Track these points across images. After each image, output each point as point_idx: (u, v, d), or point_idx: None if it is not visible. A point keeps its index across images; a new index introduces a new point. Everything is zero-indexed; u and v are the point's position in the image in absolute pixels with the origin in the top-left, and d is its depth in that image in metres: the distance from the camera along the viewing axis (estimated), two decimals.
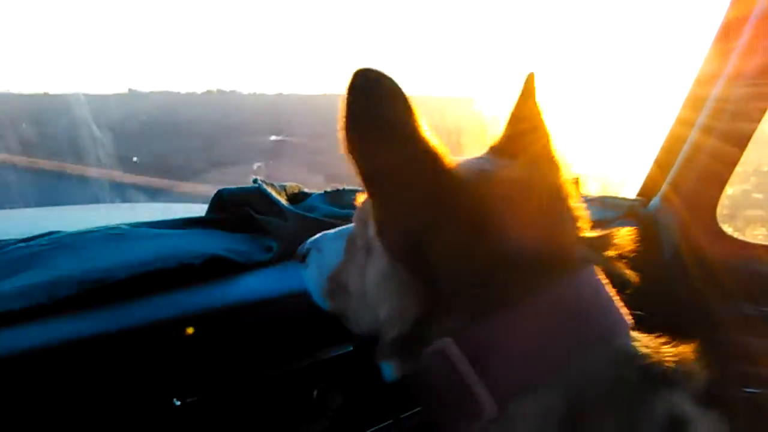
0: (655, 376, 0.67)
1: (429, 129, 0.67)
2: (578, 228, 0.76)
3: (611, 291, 0.74)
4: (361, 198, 0.89)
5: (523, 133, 0.84)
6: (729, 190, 1.93)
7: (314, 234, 1.35)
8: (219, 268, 1.15)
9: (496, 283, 0.68)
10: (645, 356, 0.69)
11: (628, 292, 0.75)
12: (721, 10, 1.73)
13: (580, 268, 0.71)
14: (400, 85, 0.63)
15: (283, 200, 1.49)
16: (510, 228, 0.69)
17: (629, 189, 2.12)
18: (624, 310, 0.73)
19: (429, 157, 0.67)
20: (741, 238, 1.95)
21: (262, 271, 1.22)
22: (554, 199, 0.76)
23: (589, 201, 2.14)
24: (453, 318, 0.69)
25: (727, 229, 1.95)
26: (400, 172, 0.67)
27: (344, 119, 0.66)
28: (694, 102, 1.86)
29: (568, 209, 0.76)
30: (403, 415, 1.24)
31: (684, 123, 1.91)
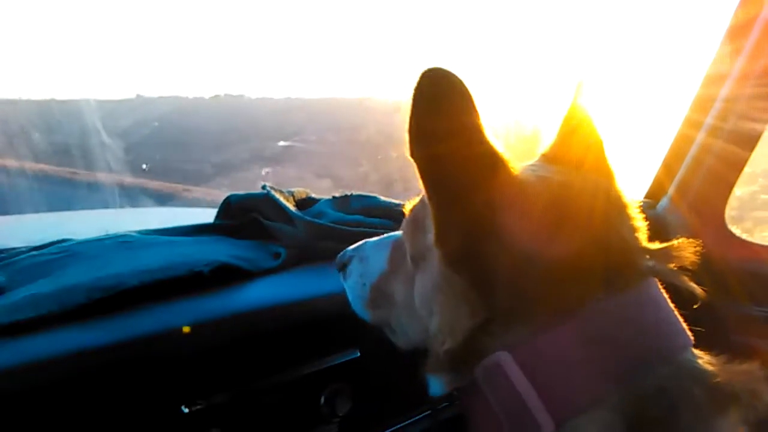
0: (724, 397, 0.64)
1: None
2: (638, 238, 0.73)
3: (672, 305, 0.71)
4: (409, 205, 0.87)
5: (575, 142, 0.80)
6: (737, 191, 1.92)
7: (322, 240, 1.35)
8: (227, 276, 1.16)
9: (557, 295, 0.65)
10: (712, 374, 0.65)
11: (695, 306, 0.72)
12: (728, 11, 1.72)
13: (642, 281, 0.68)
14: (466, 85, 0.61)
15: (291, 206, 1.50)
16: (573, 238, 0.66)
17: (637, 191, 2.11)
18: (685, 326, 0.70)
19: (494, 161, 0.65)
20: (749, 239, 1.94)
21: (270, 277, 1.23)
22: (614, 208, 0.73)
23: None
24: (510, 331, 0.66)
25: (736, 230, 1.94)
26: (465, 175, 0.65)
27: (410, 120, 0.63)
28: (702, 103, 1.85)
29: (628, 219, 0.74)
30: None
31: (692, 124, 1.91)
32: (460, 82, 0.60)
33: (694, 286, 0.72)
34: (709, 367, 0.67)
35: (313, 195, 1.66)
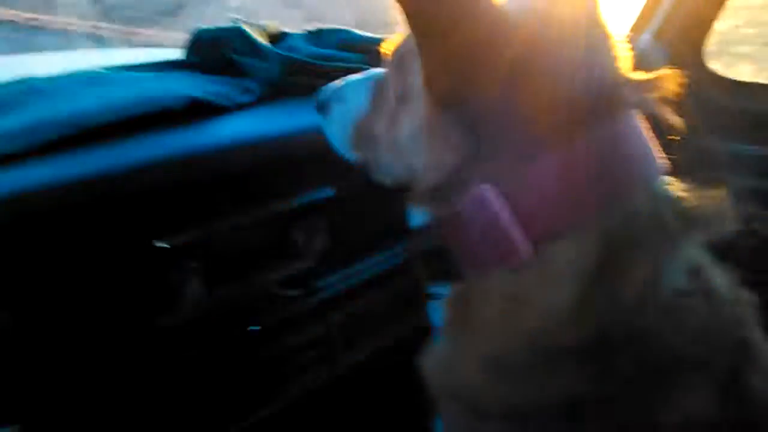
0: (690, 218, 0.67)
1: None
2: (621, 69, 0.71)
3: (650, 135, 0.72)
4: (391, 43, 0.84)
5: None
6: (719, 25, 1.89)
7: (295, 75, 1.32)
8: (199, 111, 1.14)
9: (539, 129, 0.66)
10: (681, 199, 0.69)
11: (675, 138, 0.73)
12: None
13: (623, 113, 0.69)
14: None
15: (263, 40, 1.45)
16: (554, 72, 0.66)
17: (622, 25, 2.07)
18: (661, 155, 0.72)
19: None
20: (725, 75, 1.94)
21: (242, 113, 1.21)
22: (597, 38, 0.71)
23: None
24: (493, 166, 0.68)
25: (715, 65, 1.93)
26: (448, 11, 0.62)
27: None
28: None
29: (610, 48, 0.71)
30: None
31: None
32: None
33: (676, 119, 0.72)
34: (680, 193, 0.70)
35: (284, 29, 1.60)
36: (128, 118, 1.05)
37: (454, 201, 0.71)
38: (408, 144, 0.79)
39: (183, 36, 1.54)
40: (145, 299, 1.00)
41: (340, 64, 1.36)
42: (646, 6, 1.97)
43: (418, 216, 0.83)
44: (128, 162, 0.97)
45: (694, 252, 0.69)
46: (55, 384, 0.94)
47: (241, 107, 1.23)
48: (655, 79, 0.72)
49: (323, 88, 0.99)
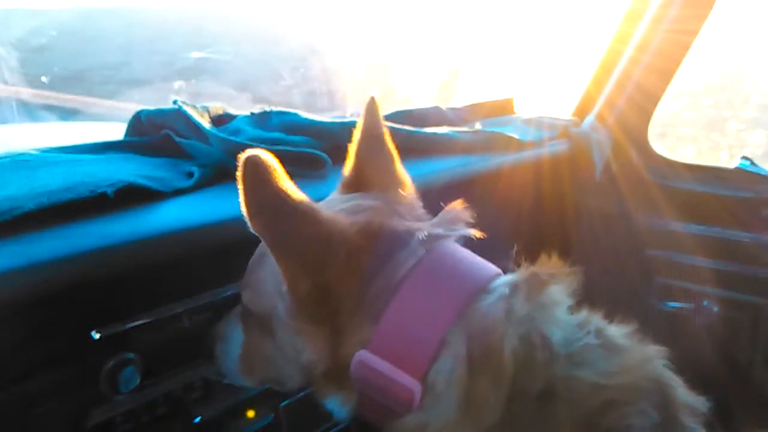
0: (537, 295, 0.77)
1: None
2: (417, 223, 0.86)
3: (467, 252, 0.84)
4: (250, 274, 0.92)
5: (370, 161, 0.95)
6: (662, 108, 1.99)
7: (238, 159, 1.30)
8: (136, 197, 1.09)
9: (375, 293, 0.78)
10: (524, 281, 0.79)
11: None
12: None
13: (431, 245, 0.81)
14: (273, 166, 0.72)
15: (205, 122, 1.42)
16: (375, 256, 0.79)
17: (564, 109, 2.15)
18: (487, 263, 0.84)
19: (309, 219, 0.75)
20: (670, 158, 2.02)
21: (182, 198, 1.17)
22: (402, 215, 0.87)
23: (526, 122, 2.16)
24: (358, 335, 0.78)
25: (658, 147, 2.01)
26: (293, 237, 0.76)
27: (243, 203, 0.73)
28: (629, 18, 1.88)
29: (417, 217, 0.89)
30: None
31: (618, 42, 1.93)
32: (265, 165, 0.71)
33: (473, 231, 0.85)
34: (522, 275, 0.80)
35: (230, 111, 1.58)
36: (57, 205, 0.99)
37: (349, 380, 0.80)
38: (290, 347, 0.86)
39: (125, 109, 1.51)
40: (80, 391, 0.95)
41: (286, 147, 1.34)
42: (588, 89, 2.06)
43: (336, 406, 0.87)
44: (59, 252, 0.91)
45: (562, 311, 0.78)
46: None
47: (180, 192, 1.18)
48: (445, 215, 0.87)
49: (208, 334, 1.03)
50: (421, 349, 0.75)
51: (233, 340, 0.98)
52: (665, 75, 1.89)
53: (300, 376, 0.90)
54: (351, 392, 0.83)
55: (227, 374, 1.02)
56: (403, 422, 0.77)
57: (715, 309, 1.86)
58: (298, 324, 0.82)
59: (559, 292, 0.79)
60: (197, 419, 1.11)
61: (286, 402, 1.24)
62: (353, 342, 0.79)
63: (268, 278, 0.86)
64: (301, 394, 1.25)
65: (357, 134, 0.97)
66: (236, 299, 1.09)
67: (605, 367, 0.73)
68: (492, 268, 0.83)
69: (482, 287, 0.78)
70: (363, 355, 0.77)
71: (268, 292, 0.86)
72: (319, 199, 0.86)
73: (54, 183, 1.04)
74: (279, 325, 0.86)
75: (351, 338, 0.79)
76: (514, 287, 0.77)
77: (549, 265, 0.81)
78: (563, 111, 2.15)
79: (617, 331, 0.79)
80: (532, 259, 0.82)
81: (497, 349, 0.72)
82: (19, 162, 1.20)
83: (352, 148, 0.97)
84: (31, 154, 1.25)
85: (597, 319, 0.79)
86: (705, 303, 1.85)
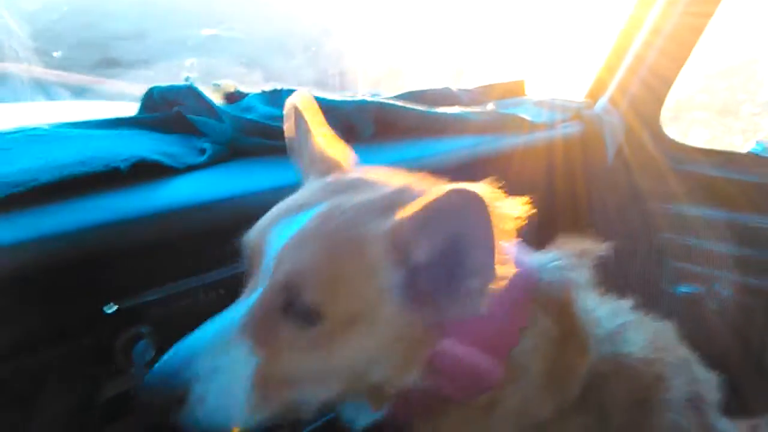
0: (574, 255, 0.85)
1: None
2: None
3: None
4: (274, 279, 0.76)
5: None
6: (675, 91, 1.97)
7: (250, 136, 1.29)
8: (149, 172, 1.10)
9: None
10: (556, 254, 0.86)
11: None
12: None
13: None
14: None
15: (217, 100, 1.42)
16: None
17: (578, 91, 2.13)
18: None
19: None
20: (682, 142, 2.00)
21: (195, 174, 1.17)
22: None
23: (538, 103, 2.15)
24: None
25: (671, 131, 2.00)
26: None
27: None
28: (643, 1, 1.86)
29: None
30: None
31: (632, 24, 1.91)
32: None
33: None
34: (550, 254, 0.89)
35: (242, 89, 1.58)
36: (72, 178, 0.99)
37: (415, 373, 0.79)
38: (360, 361, 0.76)
39: (138, 88, 1.51)
40: (95, 364, 0.95)
41: None
42: (601, 71, 2.04)
43: (365, 415, 0.86)
44: (73, 225, 0.91)
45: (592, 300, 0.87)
46: None
47: (193, 168, 1.18)
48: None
49: (150, 384, 0.74)
50: (503, 329, 0.79)
51: (240, 367, 0.76)
52: (679, 58, 1.87)
53: (333, 401, 0.81)
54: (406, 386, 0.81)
55: (221, 420, 0.76)
56: (487, 397, 0.81)
57: (727, 293, 1.85)
58: (401, 333, 0.75)
59: (589, 273, 0.86)
60: None
61: None
62: (439, 334, 0.79)
63: (364, 278, 0.74)
64: None
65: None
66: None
67: (643, 344, 0.82)
68: (529, 249, 0.88)
69: (540, 268, 0.84)
70: (444, 344, 0.78)
71: (364, 292, 0.74)
72: None
73: (68, 157, 1.05)
74: (359, 333, 0.74)
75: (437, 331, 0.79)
76: (568, 269, 0.83)
77: (578, 245, 0.88)
78: (576, 94, 2.13)
79: (624, 304, 0.89)
80: (544, 241, 0.84)
81: (577, 328, 0.79)
82: (32, 136, 1.21)
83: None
84: (43, 129, 1.26)
85: (607, 295, 0.89)
86: (716, 287, 1.85)
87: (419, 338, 0.76)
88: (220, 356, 0.75)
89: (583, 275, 0.85)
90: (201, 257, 1.06)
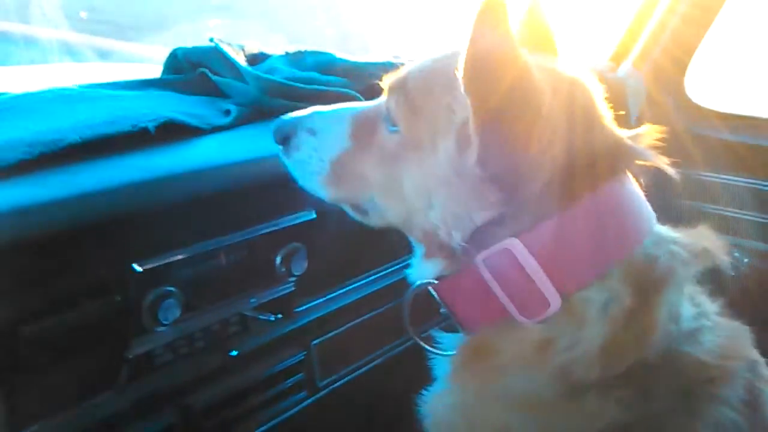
0: (696, 252, 0.79)
1: None
2: (612, 129, 0.82)
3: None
4: (388, 78, 0.86)
5: (528, 33, 0.90)
6: (698, 56, 1.92)
7: (274, 97, 1.30)
8: (175, 132, 1.11)
9: (562, 187, 0.74)
10: (681, 237, 0.80)
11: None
12: None
13: (623, 168, 0.79)
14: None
15: (241, 61, 1.42)
16: (580, 137, 0.76)
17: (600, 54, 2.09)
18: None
19: (536, 86, 0.72)
20: (706, 106, 1.96)
21: (220, 135, 1.19)
22: (589, 98, 0.82)
23: None
24: (518, 221, 0.74)
25: (694, 95, 1.96)
26: (518, 104, 0.71)
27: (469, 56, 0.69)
28: None
29: (602, 114, 0.82)
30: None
31: None
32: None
33: (669, 168, 0.82)
34: (675, 233, 0.81)
35: (265, 50, 1.58)
36: (100, 138, 1.01)
37: (471, 255, 0.76)
38: (418, 193, 0.81)
39: (161, 51, 1.51)
40: (122, 322, 0.97)
41: (321, 87, 1.34)
42: (626, 35, 2.00)
43: (422, 269, 0.85)
44: (102, 184, 0.93)
45: (691, 284, 0.81)
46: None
47: (218, 129, 1.20)
48: (642, 134, 0.84)
49: (281, 119, 0.95)
50: (579, 269, 0.73)
51: (333, 140, 0.90)
52: (703, 22, 1.82)
53: (396, 221, 0.87)
54: (456, 266, 0.80)
55: (301, 172, 0.94)
56: (516, 329, 0.76)
57: (747, 260, 1.83)
58: (451, 177, 0.77)
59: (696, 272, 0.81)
60: (233, 353, 1.13)
61: (317, 341, 1.27)
62: (511, 224, 0.75)
63: (444, 111, 0.78)
64: (332, 333, 1.29)
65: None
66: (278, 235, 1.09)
67: (712, 347, 0.76)
68: (651, 210, 0.81)
69: (647, 230, 0.78)
70: (514, 243, 0.73)
71: (439, 125, 0.78)
72: None
73: (96, 117, 1.07)
74: (420, 163, 0.80)
75: (511, 219, 0.75)
76: (679, 259, 0.77)
77: (705, 236, 0.82)
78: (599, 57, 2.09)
79: (713, 308, 0.82)
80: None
81: (652, 310, 0.73)
82: (60, 96, 1.22)
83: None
84: (71, 89, 1.28)
85: (702, 296, 0.82)
86: (736, 254, 1.83)
87: (475, 190, 0.76)
88: (330, 125, 0.90)
89: (689, 272, 0.78)
90: (226, 218, 1.08)
